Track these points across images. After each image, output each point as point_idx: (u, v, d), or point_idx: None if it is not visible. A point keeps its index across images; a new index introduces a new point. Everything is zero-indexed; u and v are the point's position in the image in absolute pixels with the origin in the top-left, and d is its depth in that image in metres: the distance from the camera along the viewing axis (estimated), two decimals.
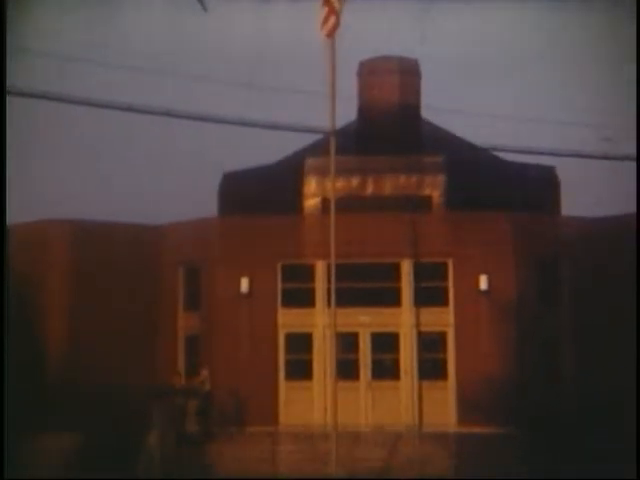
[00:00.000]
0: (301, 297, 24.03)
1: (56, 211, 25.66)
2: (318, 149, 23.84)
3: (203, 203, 26.92)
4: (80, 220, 24.32)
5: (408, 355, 23.58)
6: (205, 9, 18.14)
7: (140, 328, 24.33)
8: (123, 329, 23.99)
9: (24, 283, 22.34)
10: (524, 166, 25.15)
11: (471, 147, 25.58)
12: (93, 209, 26.64)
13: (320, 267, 23.86)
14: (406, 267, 23.78)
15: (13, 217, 23.72)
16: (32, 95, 17.01)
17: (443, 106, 23.79)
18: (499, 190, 24.29)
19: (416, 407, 23.28)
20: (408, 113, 27.12)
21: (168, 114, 19.32)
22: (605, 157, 18.25)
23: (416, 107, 27.66)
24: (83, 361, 23.06)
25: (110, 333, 23.71)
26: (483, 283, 23.11)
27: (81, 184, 38.94)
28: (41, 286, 23.49)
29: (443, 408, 23.11)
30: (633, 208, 23.60)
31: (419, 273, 23.68)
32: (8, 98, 16.50)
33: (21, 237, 23.60)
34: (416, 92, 27.66)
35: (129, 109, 18.31)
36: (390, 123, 26.46)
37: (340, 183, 23.59)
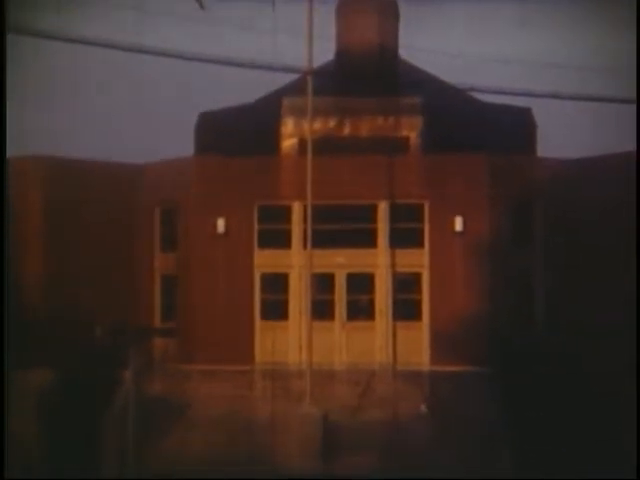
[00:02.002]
0: (277, 238, 24.10)
1: (38, 147, 25.47)
2: (296, 89, 23.71)
3: (184, 143, 26.82)
4: (56, 157, 24.15)
5: (383, 295, 23.77)
6: (202, 7, 17.79)
7: (117, 267, 24.38)
8: (100, 268, 24.04)
9: None
10: (501, 107, 25.17)
11: (449, 88, 25.51)
12: (75, 146, 26.50)
13: (297, 208, 23.89)
14: (382, 208, 23.85)
15: None
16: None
17: (422, 46, 23.69)
18: (476, 132, 24.32)
19: (390, 346, 23.56)
20: (386, 54, 27.01)
21: (145, 51, 19.10)
22: (581, 98, 18.24)
23: (394, 48, 27.53)
24: (60, 299, 23.11)
25: (87, 271, 23.75)
26: (458, 224, 23.25)
27: (61, 121, 38.66)
28: (17, 222, 23.37)
29: (417, 347, 23.41)
30: (606, 149, 23.85)
31: (395, 214, 23.77)
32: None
33: None
34: (394, 33, 27.54)
35: (109, 45, 18.04)
36: (368, 64, 26.35)
37: (317, 124, 23.53)
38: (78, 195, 24.12)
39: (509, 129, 25.07)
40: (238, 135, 25.30)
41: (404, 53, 27.72)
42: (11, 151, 23.13)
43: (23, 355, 20.93)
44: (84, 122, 39.32)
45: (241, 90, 27.16)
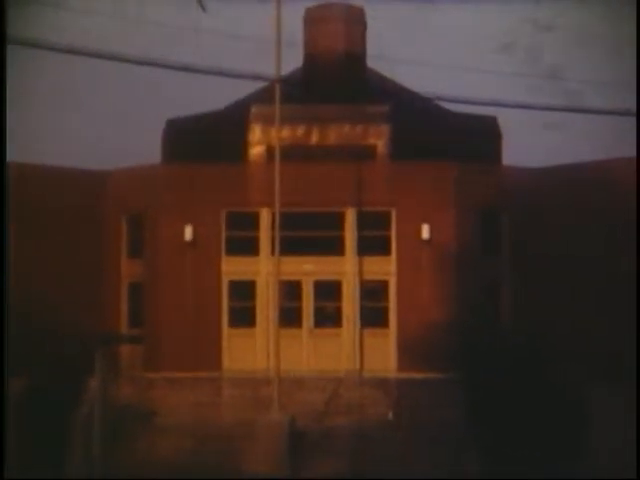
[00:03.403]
0: (245, 245, 24.09)
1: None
2: (264, 97, 23.77)
3: (151, 150, 26.74)
4: (22, 162, 23.95)
5: (350, 303, 23.84)
6: (204, 10, 17.78)
7: (84, 273, 24.25)
8: (67, 274, 23.89)
9: None
10: (467, 116, 25.37)
11: (416, 97, 25.69)
12: (43, 152, 26.32)
13: (265, 215, 23.91)
14: (350, 216, 23.94)
15: None
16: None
17: (388, 55, 23.87)
18: (442, 140, 24.48)
19: (357, 354, 23.62)
20: (354, 62, 27.13)
21: (113, 58, 19.06)
22: (547, 108, 18.49)
23: (362, 56, 27.67)
24: (27, 305, 22.91)
25: (54, 277, 23.60)
26: (425, 232, 23.37)
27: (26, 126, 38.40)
28: None
29: (384, 355, 23.49)
30: (570, 159, 24.19)
31: (362, 222, 23.87)
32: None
33: None
34: (362, 41, 27.67)
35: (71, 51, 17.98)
36: (336, 72, 26.47)
37: (285, 132, 23.59)
38: (45, 201, 23.98)
39: (475, 137, 25.28)
40: (206, 142, 25.30)
41: (372, 61, 27.91)
42: None
43: None
44: (52, 128, 39.10)
45: (209, 97, 27.18)
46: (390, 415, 19.71)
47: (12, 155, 24.42)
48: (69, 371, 19.92)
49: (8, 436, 17.97)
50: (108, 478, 15.42)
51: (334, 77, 26.31)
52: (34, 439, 18.35)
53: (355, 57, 27.22)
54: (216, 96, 26.79)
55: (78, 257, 24.28)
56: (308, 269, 23.82)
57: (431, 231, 23.36)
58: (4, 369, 17.11)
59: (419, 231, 23.41)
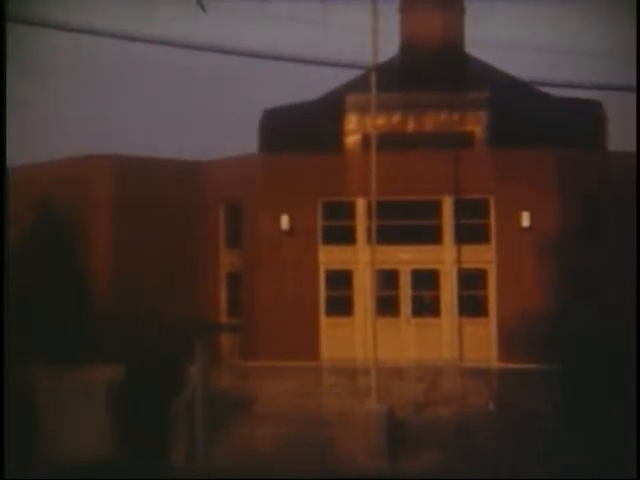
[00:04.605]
0: (342, 234, 24.07)
1: (100, 146, 25.78)
2: (359, 85, 23.63)
3: (247, 140, 26.91)
4: (121, 155, 24.43)
5: (448, 292, 23.58)
6: (204, 10, 17.65)
7: (183, 263, 24.58)
8: (165, 265, 24.25)
9: (66, 219, 22.55)
10: (570, 101, 24.74)
11: (516, 82, 25.19)
12: (137, 144, 26.75)
13: (361, 204, 23.83)
14: (447, 204, 23.66)
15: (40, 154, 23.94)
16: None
17: (488, 40, 23.43)
18: (543, 125, 23.98)
19: (456, 343, 23.36)
20: (451, 48, 26.75)
21: (209, 49, 19.19)
22: None
23: (459, 42, 27.27)
24: (127, 296, 23.37)
25: (152, 269, 23.98)
26: (525, 220, 22.94)
27: (122, 120, 39.13)
28: (83, 222, 23.71)
29: (484, 344, 23.14)
30: None
31: (460, 210, 23.57)
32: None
33: (60, 173, 23.83)
34: (459, 27, 27.26)
35: (169, 43, 18.15)
36: (432, 59, 26.12)
37: (381, 120, 23.42)
38: (144, 192, 24.37)
39: (578, 122, 24.65)
40: (302, 132, 25.32)
41: (471, 47, 27.47)
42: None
43: (92, 351, 21.27)
44: (151, 120, 39.74)
45: (304, 87, 27.18)
46: (491, 406, 19.39)
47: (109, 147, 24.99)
48: (168, 359, 20.19)
49: (103, 424, 18.33)
50: (210, 466, 15.57)
51: (431, 64, 25.97)
52: (132, 426, 18.66)
53: (453, 43, 26.84)
54: (311, 85, 26.79)
55: (177, 247, 24.62)
56: (405, 258, 23.64)
57: (532, 218, 22.91)
58: (4, 369, 17.41)
59: (519, 219, 22.98)
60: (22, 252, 21.80)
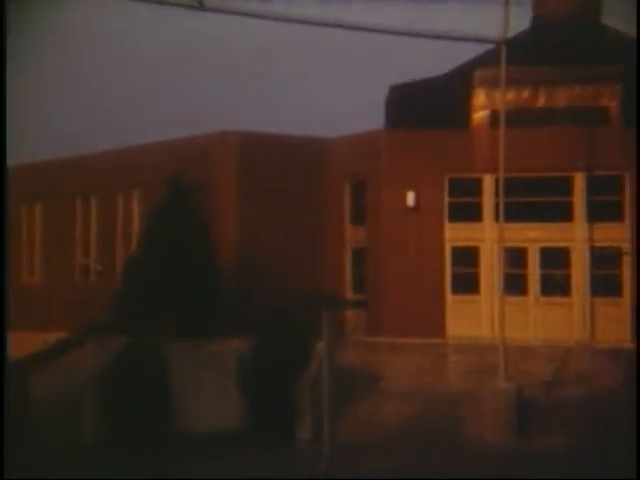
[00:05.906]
0: (468, 211, 23.76)
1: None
2: (487, 60, 23.18)
3: (374, 117, 26.79)
4: (248, 132, 24.72)
5: (580, 271, 22.99)
6: (204, 7, 17.37)
7: (308, 239, 24.75)
8: (291, 239, 24.46)
9: (195, 193, 22.94)
10: None
11: None
12: (264, 120, 27.00)
13: (488, 181, 23.44)
14: (579, 180, 23.03)
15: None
16: None
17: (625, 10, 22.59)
18: None
19: (588, 323, 22.77)
20: (586, 20, 25.92)
21: (337, 25, 19.16)
22: None
23: (596, 13, 26.35)
24: (253, 268, 23.68)
25: (278, 242, 24.23)
26: None
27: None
28: (212, 196, 24.09)
29: (617, 325, 22.43)
30: None
31: (593, 187, 22.90)
32: None
33: (188, 151, 24.32)
34: None
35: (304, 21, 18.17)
36: (566, 32, 25.35)
37: (510, 95, 22.91)
38: (270, 168, 24.61)
39: None
40: (428, 108, 25.04)
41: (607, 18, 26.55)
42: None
43: (217, 323, 21.67)
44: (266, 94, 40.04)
45: (431, 62, 26.86)
46: (622, 388, 18.83)
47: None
48: (295, 334, 20.36)
49: (231, 395, 18.61)
50: (337, 439, 15.64)
51: (563, 37, 25.22)
52: (260, 399, 18.90)
53: (588, 15, 25.98)
54: (438, 61, 26.46)
55: (302, 223, 24.79)
56: (534, 236, 23.17)
57: None
58: (4, 369, 17.65)
59: None
60: (153, 228, 22.34)
